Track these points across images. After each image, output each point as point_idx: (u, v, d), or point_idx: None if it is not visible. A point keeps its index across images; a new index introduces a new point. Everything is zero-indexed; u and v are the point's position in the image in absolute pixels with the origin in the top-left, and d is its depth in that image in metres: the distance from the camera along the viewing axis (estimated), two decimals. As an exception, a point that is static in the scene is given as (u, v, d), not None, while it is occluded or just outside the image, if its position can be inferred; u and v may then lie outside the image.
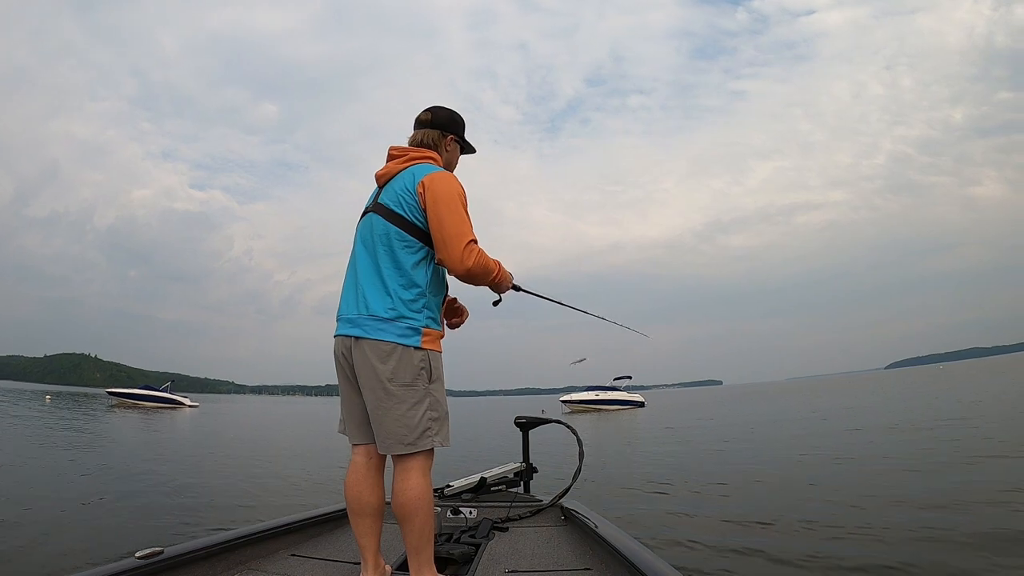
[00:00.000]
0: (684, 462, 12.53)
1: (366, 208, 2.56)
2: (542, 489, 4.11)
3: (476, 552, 2.92)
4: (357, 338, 2.37)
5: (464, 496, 3.87)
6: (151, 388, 56.64)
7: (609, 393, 48.33)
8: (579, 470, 3.77)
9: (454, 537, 3.16)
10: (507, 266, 2.61)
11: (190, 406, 54.32)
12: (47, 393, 78.60)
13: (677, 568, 2.22)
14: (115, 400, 53.46)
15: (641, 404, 48.60)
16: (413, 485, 2.32)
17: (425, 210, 2.39)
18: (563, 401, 48.59)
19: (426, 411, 2.36)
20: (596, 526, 2.99)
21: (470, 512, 3.61)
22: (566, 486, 3.74)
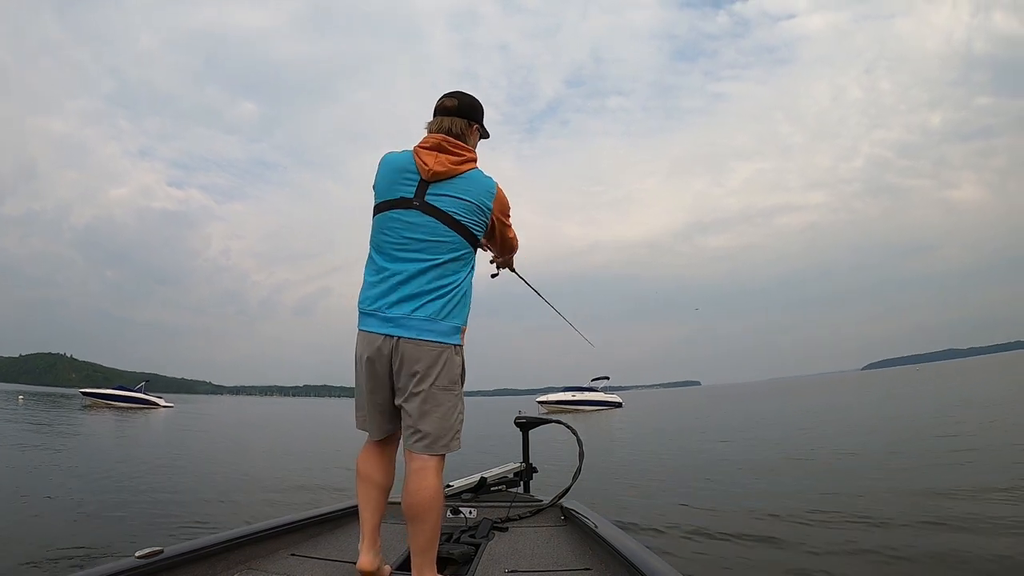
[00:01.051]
0: (650, 463, 12.71)
1: (403, 197, 2.41)
2: (542, 489, 4.09)
3: (476, 552, 2.90)
4: (400, 338, 2.32)
5: (464, 496, 3.86)
6: (125, 388, 55.89)
7: (586, 394, 48.38)
8: (579, 470, 3.76)
9: (454, 537, 3.13)
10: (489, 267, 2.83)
11: (165, 406, 53.61)
12: (20, 393, 77.50)
13: (677, 568, 2.22)
14: (89, 400, 52.78)
15: (618, 405, 48.72)
16: (430, 485, 2.30)
17: (488, 223, 2.46)
18: (539, 402, 48.35)
19: (458, 414, 2.40)
20: (596, 526, 2.99)
21: (470, 512, 3.62)
22: (566, 486, 3.72)
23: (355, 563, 2.58)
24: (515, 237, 2.73)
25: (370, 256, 2.47)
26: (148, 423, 32.11)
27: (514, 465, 4.14)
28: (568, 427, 4.01)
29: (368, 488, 2.48)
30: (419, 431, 2.32)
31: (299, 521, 3.17)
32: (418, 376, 2.31)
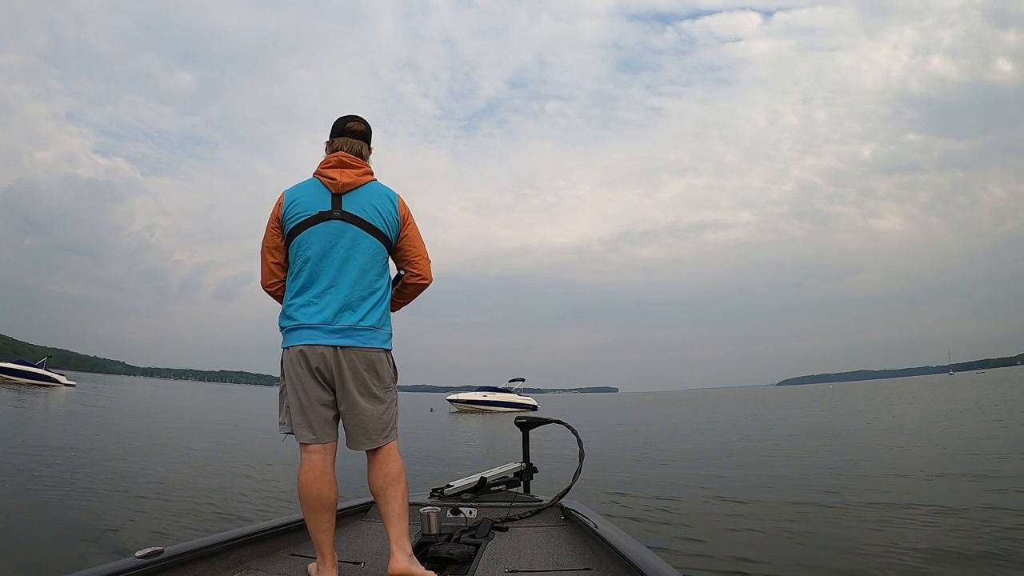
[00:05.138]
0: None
1: (322, 212, 2.60)
2: (542, 489, 4.11)
3: (476, 552, 2.94)
4: (344, 347, 2.54)
5: (464, 496, 3.89)
6: (26, 363, 53.72)
7: (499, 395, 48.02)
8: (579, 470, 3.77)
9: (454, 537, 3.16)
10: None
11: (66, 384, 51.51)
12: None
13: (677, 568, 2.28)
14: (-13, 374, 50.84)
15: (533, 408, 47.59)
16: (397, 462, 2.62)
17: (399, 228, 2.69)
18: (450, 400, 48.72)
19: (396, 406, 2.70)
20: (596, 526, 3.03)
21: (470, 512, 3.63)
22: (566, 486, 3.74)
23: (355, 563, 2.79)
24: (426, 254, 2.84)
25: (296, 275, 2.64)
26: (47, 402, 30.99)
27: (514, 465, 4.17)
28: (568, 427, 4.01)
29: (318, 515, 2.53)
30: (373, 428, 2.59)
31: (299, 521, 3.06)
32: (367, 381, 2.57)
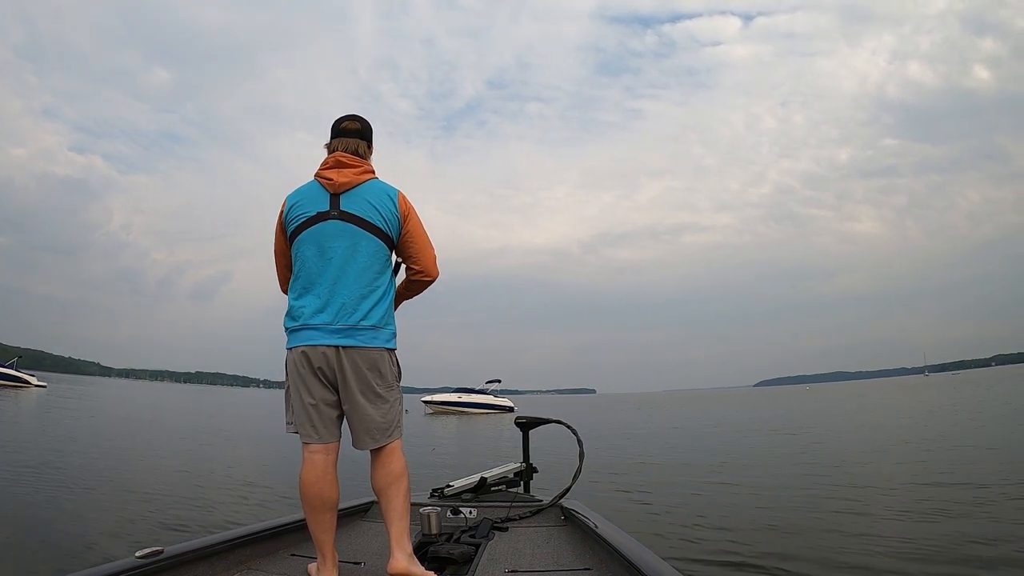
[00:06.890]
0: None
1: (320, 213, 2.62)
2: (542, 489, 4.12)
3: (476, 552, 2.94)
4: (346, 347, 2.55)
5: (464, 496, 3.90)
6: (-4, 363, 53.06)
7: (475, 396, 47.91)
8: (579, 470, 3.76)
9: (454, 537, 3.16)
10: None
11: (36, 385, 51.02)
12: None
13: (677, 568, 2.29)
14: (-44, 374, 50.00)
15: (510, 409, 47.69)
16: (400, 461, 2.63)
17: (400, 224, 2.69)
18: (424, 401, 48.54)
19: (400, 406, 2.71)
20: (596, 526, 3.04)
21: (470, 512, 3.63)
22: (566, 486, 3.74)
23: (355, 563, 2.81)
24: (431, 248, 2.87)
25: (296, 275, 2.67)
26: (18, 404, 30.66)
27: (514, 465, 4.18)
28: (568, 427, 4.01)
29: (319, 515, 2.54)
30: (376, 427, 2.60)
31: (299, 521, 3.04)
32: (371, 380, 2.59)
